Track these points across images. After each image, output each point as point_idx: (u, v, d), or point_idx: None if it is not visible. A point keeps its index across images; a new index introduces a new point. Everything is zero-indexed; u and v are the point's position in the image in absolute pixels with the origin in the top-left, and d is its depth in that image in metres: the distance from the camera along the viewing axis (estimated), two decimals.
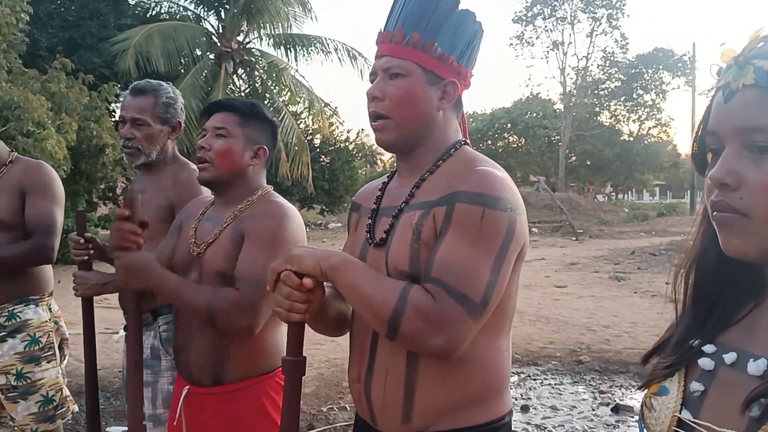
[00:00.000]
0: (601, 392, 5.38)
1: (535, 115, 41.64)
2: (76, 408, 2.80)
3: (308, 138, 22.36)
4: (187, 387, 1.92)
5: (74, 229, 2.56)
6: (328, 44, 19.77)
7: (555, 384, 5.63)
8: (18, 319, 2.61)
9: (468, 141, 1.53)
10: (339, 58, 19.97)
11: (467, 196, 1.30)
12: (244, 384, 1.88)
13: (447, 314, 1.23)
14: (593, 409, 4.99)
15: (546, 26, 38.28)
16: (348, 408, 4.89)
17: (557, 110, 41.57)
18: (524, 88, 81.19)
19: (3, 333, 2.59)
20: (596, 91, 40.15)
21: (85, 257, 2.44)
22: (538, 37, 39.15)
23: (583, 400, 5.22)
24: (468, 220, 1.28)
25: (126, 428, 4.35)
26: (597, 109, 41.18)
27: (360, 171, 32.40)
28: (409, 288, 1.27)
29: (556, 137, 40.33)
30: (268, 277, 1.36)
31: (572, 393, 5.40)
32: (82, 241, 2.41)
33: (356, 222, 1.61)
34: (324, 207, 26.00)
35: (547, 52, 39.18)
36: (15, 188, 2.60)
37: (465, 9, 1.45)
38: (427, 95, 1.41)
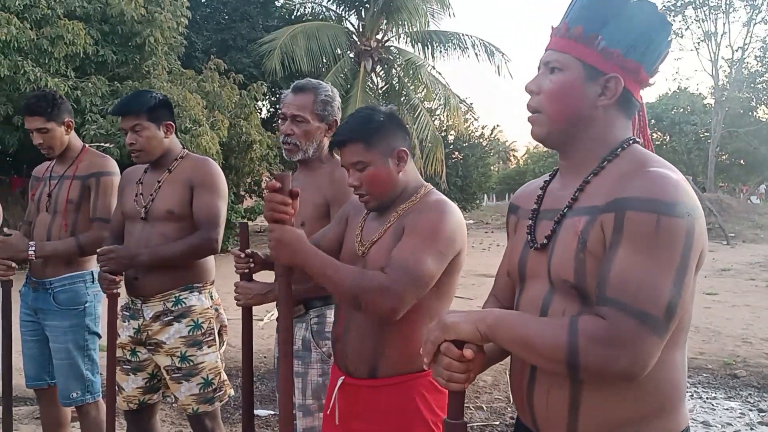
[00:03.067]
0: (761, 411, 4.97)
1: (682, 110, 39.21)
2: (232, 392, 2.95)
3: (443, 134, 22.37)
4: (342, 377, 1.95)
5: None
6: (465, 40, 19.71)
7: (707, 398, 5.27)
8: (183, 305, 2.78)
9: (641, 139, 1.44)
10: (476, 54, 19.86)
11: (638, 202, 1.21)
12: (398, 380, 1.88)
13: (625, 335, 1.17)
14: (751, 428, 4.63)
15: (697, 15, 35.91)
16: (485, 408, 4.83)
17: (707, 105, 38.92)
18: (671, 81, 76.63)
19: (170, 317, 2.78)
20: (753, 85, 37.14)
21: (246, 270, 2.54)
22: (687, 28, 36.74)
23: (740, 417, 4.85)
24: (641, 229, 1.20)
25: (272, 412, 4.54)
26: (753, 103, 38.12)
27: (492, 167, 32.01)
28: (576, 320, 1.21)
29: (705, 134, 37.78)
30: (428, 349, 1.33)
31: (726, 409, 5.03)
32: (243, 255, 2.51)
33: (515, 225, 1.57)
34: (457, 203, 25.91)
35: (698, 43, 36.76)
36: (185, 182, 2.78)
37: (642, 0, 1.36)
38: (581, 91, 1.35)
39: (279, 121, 2.63)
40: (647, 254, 1.19)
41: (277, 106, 20.82)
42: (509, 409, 4.84)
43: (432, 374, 1.36)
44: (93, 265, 3.14)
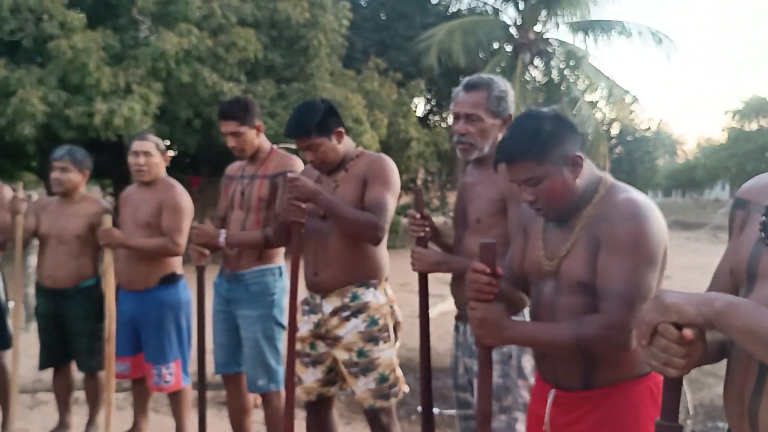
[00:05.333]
0: None
1: None
2: (407, 389, 2.95)
3: (605, 128, 21.42)
4: (554, 391, 1.87)
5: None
6: (629, 28, 18.74)
7: None
8: (360, 301, 2.82)
9: None
10: (642, 42, 18.82)
11: None
12: (615, 388, 1.77)
13: None
14: None
15: None
16: None
17: None
18: None
19: (347, 313, 2.82)
20: None
21: (422, 234, 2.52)
22: None
23: None
24: None
25: (449, 411, 4.50)
26: None
27: (659, 162, 30.25)
28: None
29: None
30: (643, 331, 1.22)
31: None
32: (418, 216, 2.50)
33: (742, 220, 1.40)
34: None
35: None
36: (360, 179, 2.81)
37: None
38: None
39: (453, 121, 2.57)
40: None
41: (433, 103, 21.07)
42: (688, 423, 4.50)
43: (645, 358, 1.24)
44: (281, 260, 3.29)
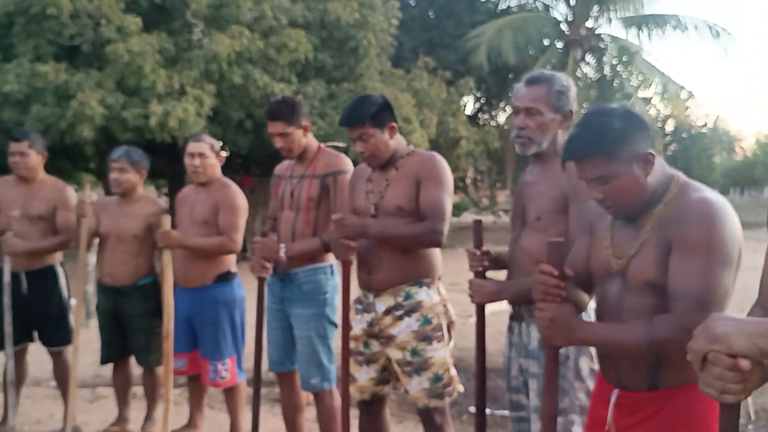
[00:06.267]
0: None
1: None
2: (461, 388, 2.93)
3: (659, 125, 20.92)
4: (617, 391, 1.82)
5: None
6: (685, 22, 18.25)
7: None
8: (413, 300, 2.81)
9: None
10: (698, 36, 18.32)
11: None
12: (684, 389, 1.72)
13: None
14: None
15: None
16: None
17: None
18: None
19: (401, 312, 2.82)
20: None
21: (480, 269, 2.53)
22: None
23: None
24: None
25: (502, 412, 4.45)
26: None
27: (715, 159, 29.36)
28: None
29: None
30: (693, 359, 1.18)
31: None
32: (477, 253, 2.51)
33: None
34: None
35: None
36: (412, 178, 2.81)
37: None
38: None
39: (512, 115, 2.55)
40: None
41: (482, 102, 20.90)
42: (750, 428, 4.36)
43: (699, 386, 1.19)
44: (333, 258, 3.29)
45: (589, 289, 1.97)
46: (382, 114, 2.81)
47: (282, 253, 3.18)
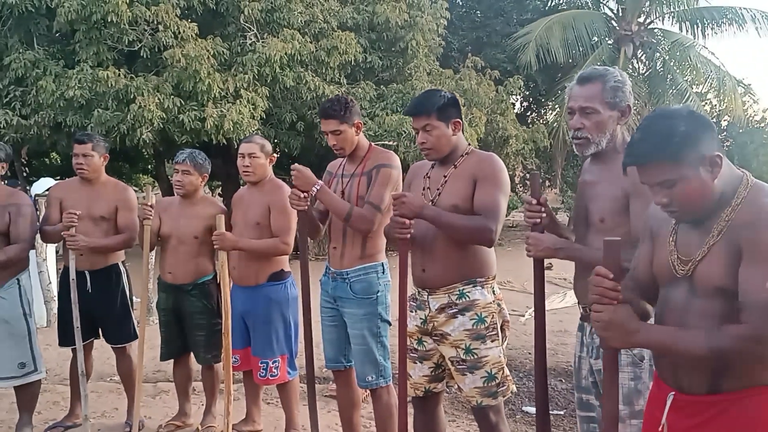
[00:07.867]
0: None
1: None
2: (514, 388, 2.94)
3: (715, 120, 20.35)
4: (673, 393, 1.80)
5: None
6: (742, 14, 17.71)
7: None
8: (467, 299, 2.83)
9: None
10: (756, 29, 17.74)
11: None
12: (746, 393, 1.68)
13: None
14: None
15: None
16: None
17: None
18: None
19: (454, 310, 2.84)
20: None
21: (537, 220, 2.49)
22: None
23: None
24: None
25: (558, 412, 4.39)
26: None
27: None
28: None
29: None
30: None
31: None
32: (534, 202, 2.48)
33: None
34: None
35: None
36: (469, 177, 2.83)
37: None
38: None
39: (568, 116, 2.53)
40: None
41: (531, 100, 20.63)
42: None
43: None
44: (384, 257, 3.34)
45: (652, 298, 1.93)
46: (448, 108, 2.85)
47: (315, 189, 3.19)
